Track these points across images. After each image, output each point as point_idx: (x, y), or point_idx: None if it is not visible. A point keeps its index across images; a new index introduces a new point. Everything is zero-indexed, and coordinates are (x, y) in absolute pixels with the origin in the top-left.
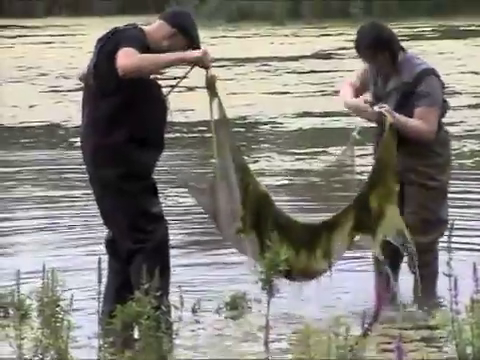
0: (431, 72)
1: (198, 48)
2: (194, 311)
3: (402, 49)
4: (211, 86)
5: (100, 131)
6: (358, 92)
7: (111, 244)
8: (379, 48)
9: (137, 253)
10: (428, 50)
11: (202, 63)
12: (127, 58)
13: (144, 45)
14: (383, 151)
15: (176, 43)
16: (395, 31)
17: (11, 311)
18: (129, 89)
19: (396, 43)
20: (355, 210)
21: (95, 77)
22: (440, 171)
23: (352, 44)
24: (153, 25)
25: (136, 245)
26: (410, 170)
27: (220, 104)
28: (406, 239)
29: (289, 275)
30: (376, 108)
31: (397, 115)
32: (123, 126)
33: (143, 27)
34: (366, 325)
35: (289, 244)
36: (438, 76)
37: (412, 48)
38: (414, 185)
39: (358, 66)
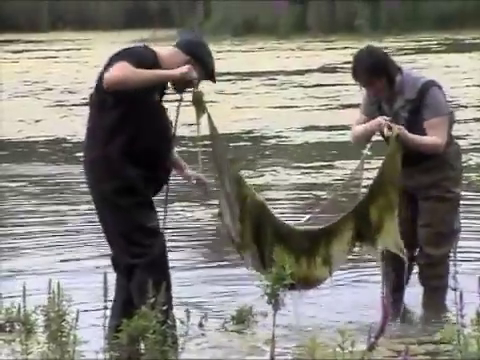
0: (432, 84)
1: (213, 78)
2: (200, 325)
3: (399, 70)
4: (197, 102)
5: (98, 143)
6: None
7: (116, 259)
8: (376, 74)
9: (135, 268)
10: (434, 63)
11: (186, 79)
12: (113, 71)
13: (144, 61)
14: (387, 162)
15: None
16: (401, 44)
17: (17, 326)
18: (128, 104)
19: (393, 67)
20: (355, 219)
21: (97, 91)
22: (455, 183)
23: None
24: (168, 51)
25: (134, 260)
26: (429, 186)
27: (209, 119)
28: (402, 252)
29: (291, 285)
30: (386, 131)
31: (409, 135)
32: (118, 139)
33: (156, 50)
34: (372, 339)
35: (289, 252)
36: (440, 87)
37: (417, 61)
38: (431, 200)
39: None
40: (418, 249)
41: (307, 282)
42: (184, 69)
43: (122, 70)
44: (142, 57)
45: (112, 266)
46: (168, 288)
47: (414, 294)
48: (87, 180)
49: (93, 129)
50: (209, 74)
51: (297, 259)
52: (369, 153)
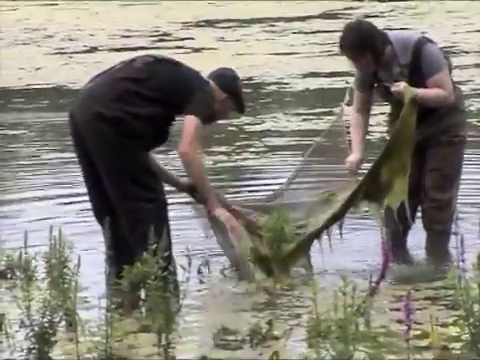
0: (423, 41)
1: (243, 111)
2: (199, 272)
3: (387, 41)
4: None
5: (126, 104)
6: (366, 106)
7: (109, 209)
8: (360, 50)
9: (140, 215)
10: (436, 8)
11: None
12: (190, 146)
13: (207, 110)
14: (402, 125)
15: (226, 106)
16: None
17: (18, 273)
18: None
19: (379, 41)
20: (367, 183)
21: (145, 80)
22: (462, 127)
23: (358, 3)
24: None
25: (141, 204)
26: (439, 133)
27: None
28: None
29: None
30: (393, 88)
31: (415, 89)
32: (143, 125)
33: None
34: (373, 284)
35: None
36: (430, 40)
37: (419, 7)
38: (440, 145)
39: None
40: (423, 194)
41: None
42: (226, 219)
43: (197, 162)
44: (207, 106)
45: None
46: (169, 234)
47: (417, 239)
48: (91, 126)
49: (125, 89)
50: (241, 109)
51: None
52: (349, 98)
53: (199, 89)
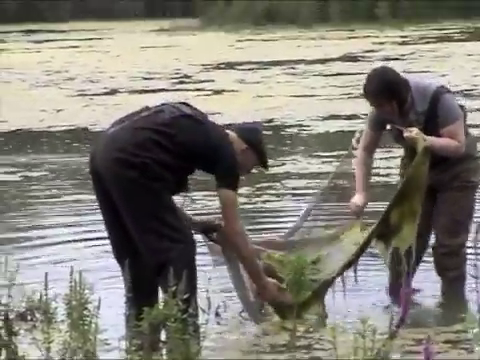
0: (441, 91)
1: (266, 165)
2: (217, 315)
3: (410, 90)
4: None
5: (148, 152)
6: (373, 146)
7: (130, 252)
8: (386, 97)
9: (168, 258)
10: (456, 52)
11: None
12: (238, 225)
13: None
14: (414, 171)
15: (247, 158)
16: (422, 33)
17: (38, 315)
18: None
19: (404, 89)
20: (379, 227)
21: (170, 135)
22: (475, 173)
23: (379, 46)
24: (230, 136)
25: (167, 244)
26: (451, 179)
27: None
28: (410, 257)
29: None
30: (405, 133)
31: (427, 137)
32: (164, 172)
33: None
34: (393, 327)
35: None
36: (449, 90)
37: (439, 50)
38: (451, 190)
39: None
40: (435, 240)
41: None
42: (271, 295)
43: (243, 231)
44: (238, 170)
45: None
46: (194, 276)
47: (432, 283)
48: (113, 170)
49: (146, 138)
50: (264, 163)
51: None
52: (355, 145)
53: (227, 154)
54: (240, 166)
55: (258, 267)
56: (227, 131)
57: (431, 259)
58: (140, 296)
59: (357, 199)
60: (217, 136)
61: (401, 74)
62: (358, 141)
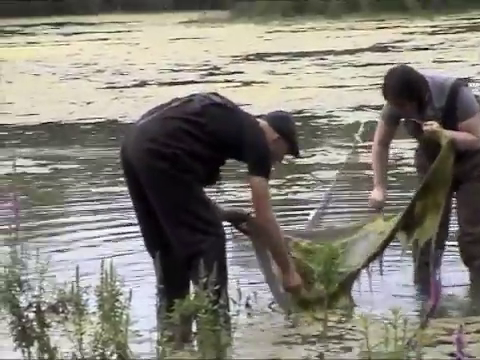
0: (459, 85)
1: (297, 153)
2: (247, 306)
3: (428, 87)
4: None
5: (180, 142)
6: (388, 139)
7: (161, 243)
8: (406, 97)
9: (199, 250)
10: None
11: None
12: (270, 213)
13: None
14: (440, 165)
15: (279, 147)
16: (452, 23)
17: (69, 307)
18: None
19: (424, 88)
20: (404, 219)
21: (201, 124)
22: None
23: (409, 36)
24: (262, 125)
25: (198, 236)
26: (471, 169)
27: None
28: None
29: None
30: (425, 127)
31: (446, 131)
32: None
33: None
34: (424, 317)
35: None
36: (466, 84)
37: (469, 39)
38: (471, 180)
39: (415, 58)
40: (459, 229)
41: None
42: (295, 284)
43: (275, 229)
44: (269, 159)
45: (154, 252)
46: (225, 268)
47: (460, 273)
48: (144, 161)
49: (178, 128)
50: (295, 152)
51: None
52: (359, 140)
53: (259, 142)
54: (272, 155)
55: (287, 257)
56: (259, 120)
57: (458, 249)
58: (171, 287)
59: (376, 194)
60: (249, 124)
61: (418, 71)
62: (362, 136)
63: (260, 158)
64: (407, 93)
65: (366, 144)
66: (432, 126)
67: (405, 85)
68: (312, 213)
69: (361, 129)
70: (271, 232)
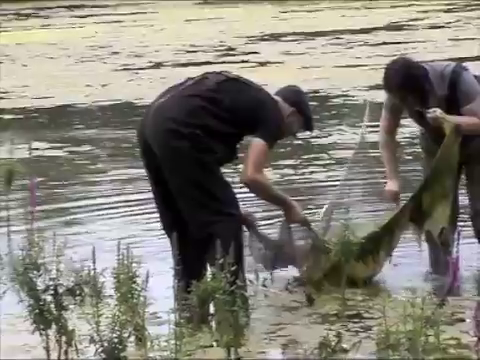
0: (459, 70)
1: (312, 127)
2: (264, 286)
3: (428, 78)
4: None
5: (199, 120)
6: (394, 127)
7: (177, 225)
8: (408, 90)
9: (214, 230)
10: None
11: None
12: (257, 174)
13: (280, 134)
14: (444, 152)
15: (293, 121)
16: (467, 1)
17: (87, 289)
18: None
19: (425, 80)
20: (411, 207)
21: (217, 100)
22: None
23: (424, 14)
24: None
25: (214, 217)
26: (478, 148)
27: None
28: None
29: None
30: (429, 115)
31: (449, 117)
32: (215, 143)
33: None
34: (442, 296)
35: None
36: (465, 68)
37: None
38: (478, 160)
39: (430, 37)
40: (472, 209)
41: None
42: (300, 218)
43: (261, 178)
44: (280, 130)
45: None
46: (241, 249)
47: (476, 252)
48: (163, 141)
49: (197, 106)
50: (309, 126)
51: (365, 261)
52: (367, 123)
53: (272, 114)
54: (286, 129)
55: (281, 197)
56: (273, 96)
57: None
58: (188, 269)
59: (391, 185)
60: (263, 98)
61: (418, 62)
62: (364, 135)
63: (269, 126)
64: (408, 86)
65: (374, 124)
66: (435, 113)
67: (406, 78)
68: (325, 207)
69: (367, 111)
70: (256, 191)
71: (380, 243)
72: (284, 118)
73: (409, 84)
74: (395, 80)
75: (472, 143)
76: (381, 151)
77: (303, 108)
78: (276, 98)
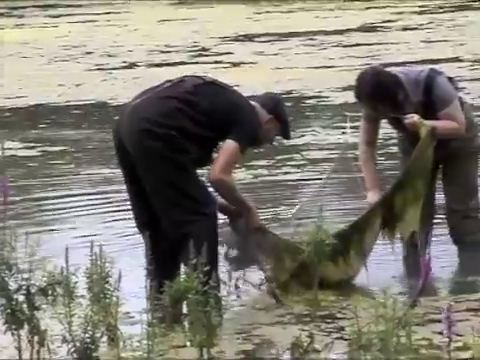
0: (432, 75)
1: (289, 135)
2: (236, 287)
3: (401, 85)
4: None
5: (174, 121)
6: (374, 137)
7: (151, 224)
8: (378, 99)
9: (189, 230)
10: (474, 20)
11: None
12: (223, 175)
13: (255, 139)
14: (418, 155)
15: (271, 128)
16: (440, 2)
17: (59, 289)
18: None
19: (396, 88)
20: (382, 208)
21: (194, 103)
22: (475, 136)
23: (397, 16)
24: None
25: (188, 216)
26: (456, 149)
27: None
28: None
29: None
30: (406, 120)
31: (426, 121)
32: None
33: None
34: (414, 296)
35: (328, 260)
36: (439, 72)
37: (457, 19)
38: (458, 160)
39: (403, 38)
40: (448, 209)
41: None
42: (256, 224)
43: (228, 183)
44: (255, 134)
45: (145, 231)
46: (215, 250)
47: (450, 252)
48: (138, 141)
49: (173, 108)
50: (286, 133)
51: (335, 262)
52: (349, 127)
53: (248, 117)
54: (263, 136)
55: (245, 202)
56: (251, 102)
57: (447, 230)
58: (161, 268)
59: (371, 198)
60: (240, 103)
61: (388, 70)
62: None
63: (243, 129)
64: (378, 95)
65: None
66: (413, 118)
67: (375, 87)
68: (296, 207)
69: (348, 124)
70: (221, 191)
71: (350, 242)
72: (262, 124)
73: (378, 93)
74: (365, 90)
75: (451, 143)
76: (361, 164)
77: (281, 115)
78: (254, 104)
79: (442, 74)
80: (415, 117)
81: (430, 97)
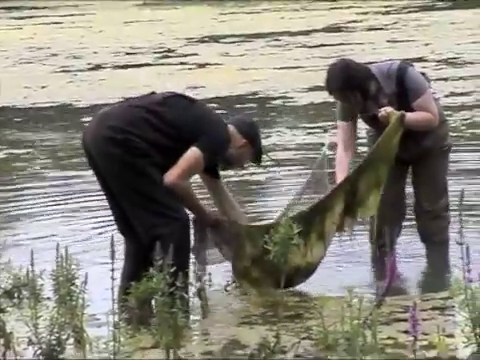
0: (404, 66)
1: (259, 160)
2: (199, 293)
3: (373, 76)
4: None
5: (135, 128)
6: (352, 138)
7: (124, 226)
8: (349, 90)
9: (160, 234)
10: (439, 21)
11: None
12: (178, 180)
13: (220, 153)
14: (383, 141)
15: (244, 152)
16: (405, 3)
17: (25, 291)
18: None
19: (366, 79)
20: (344, 193)
21: (160, 112)
22: (446, 135)
23: (362, 16)
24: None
25: (158, 220)
26: (429, 147)
27: None
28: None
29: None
30: (379, 114)
31: (409, 116)
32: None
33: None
34: (379, 296)
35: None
36: (410, 64)
37: (422, 19)
38: (427, 158)
39: (368, 38)
40: (417, 208)
41: (307, 268)
42: (213, 222)
43: (183, 186)
44: (221, 147)
45: (120, 232)
46: (185, 253)
47: (417, 251)
48: (99, 148)
49: (139, 117)
50: (259, 158)
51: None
52: (328, 152)
53: (215, 129)
54: (236, 159)
55: (200, 206)
56: (227, 123)
57: (415, 229)
58: (132, 271)
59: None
60: (211, 118)
61: (358, 62)
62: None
63: (209, 138)
64: (348, 85)
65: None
66: (386, 110)
67: (345, 77)
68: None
69: (325, 149)
70: (178, 194)
71: (311, 224)
72: (233, 147)
73: (349, 84)
74: (335, 81)
75: (423, 142)
76: (337, 169)
77: (255, 140)
78: (229, 126)
79: (413, 66)
80: (388, 109)
81: (403, 88)
